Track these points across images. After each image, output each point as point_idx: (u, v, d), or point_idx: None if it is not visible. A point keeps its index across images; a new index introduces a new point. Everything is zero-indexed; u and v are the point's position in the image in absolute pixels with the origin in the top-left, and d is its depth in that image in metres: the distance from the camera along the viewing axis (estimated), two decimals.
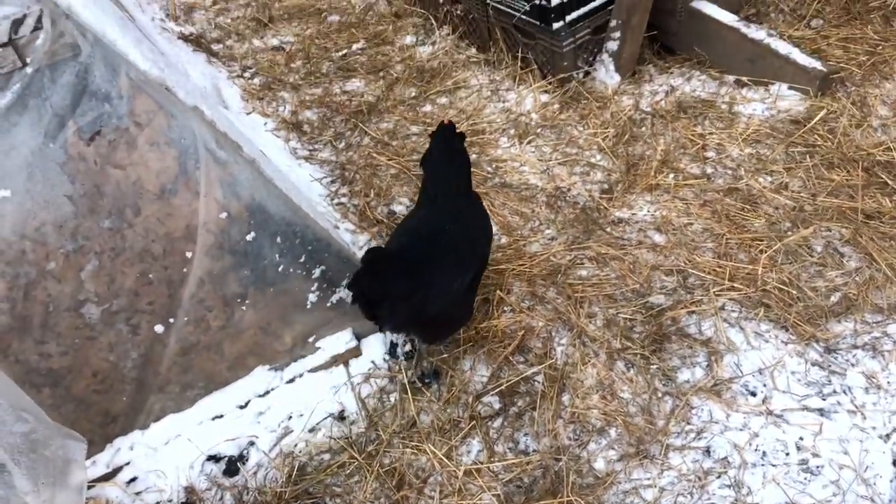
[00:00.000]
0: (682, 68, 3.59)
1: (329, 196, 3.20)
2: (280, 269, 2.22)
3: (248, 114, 3.67)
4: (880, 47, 3.49)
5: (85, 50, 1.64)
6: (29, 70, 1.58)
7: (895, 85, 3.29)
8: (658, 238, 2.88)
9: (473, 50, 3.95)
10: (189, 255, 2.02)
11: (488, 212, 2.61)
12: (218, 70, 4.03)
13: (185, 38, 4.16)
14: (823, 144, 3.08)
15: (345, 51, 4.09)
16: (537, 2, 3.37)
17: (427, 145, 2.47)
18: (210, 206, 1.99)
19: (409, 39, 4.10)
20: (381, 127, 3.58)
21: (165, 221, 1.95)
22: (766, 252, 2.71)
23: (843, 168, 2.98)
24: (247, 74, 4.02)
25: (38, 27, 1.55)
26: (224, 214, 2.04)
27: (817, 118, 3.15)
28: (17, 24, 1.52)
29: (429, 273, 2.13)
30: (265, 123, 3.62)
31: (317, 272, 2.32)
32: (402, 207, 3.13)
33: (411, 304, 2.09)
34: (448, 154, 2.37)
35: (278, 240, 2.18)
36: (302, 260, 2.26)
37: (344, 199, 3.19)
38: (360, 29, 4.25)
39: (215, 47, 4.26)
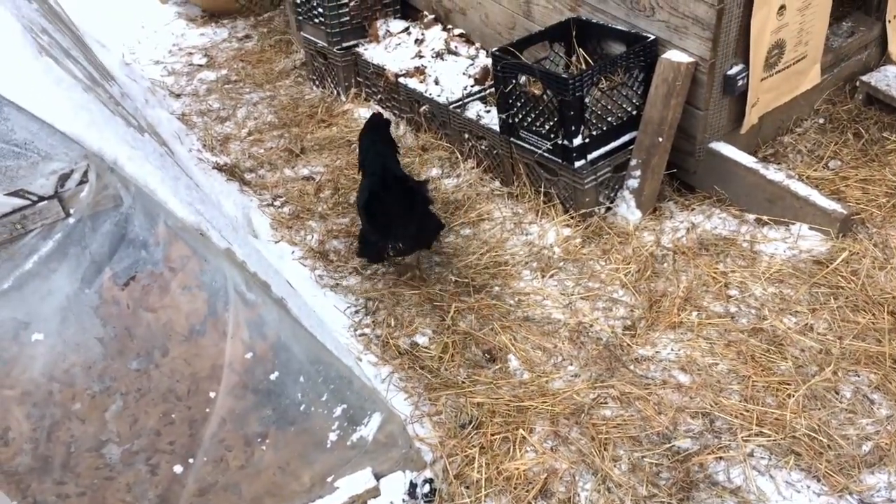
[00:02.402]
0: (702, 206, 3.65)
1: (352, 327, 3.22)
2: (302, 408, 2.22)
3: (276, 242, 3.76)
4: None
5: (126, 201, 1.72)
6: (71, 220, 1.66)
7: None
8: (683, 378, 2.85)
9: (497, 183, 4.06)
10: (213, 395, 2.02)
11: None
12: (250, 198, 4.17)
13: (219, 168, 4.33)
14: (847, 286, 3.07)
15: None
16: (559, 141, 3.50)
17: None
18: (236, 346, 2.02)
19: (434, 172, 4.23)
20: (405, 258, 3.64)
21: (192, 362, 1.97)
22: (793, 396, 2.67)
23: (868, 311, 2.96)
24: (277, 203, 4.15)
25: (83, 181, 1.63)
26: (249, 354, 2.06)
27: (839, 260, 3.16)
28: (63, 178, 1.61)
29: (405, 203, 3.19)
30: (293, 252, 3.70)
31: (338, 411, 2.31)
32: (424, 339, 3.14)
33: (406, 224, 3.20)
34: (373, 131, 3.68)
35: (301, 379, 2.19)
36: (324, 399, 2.26)
37: (367, 330, 3.21)
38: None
39: (248, 176, 4.42)
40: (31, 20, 2.86)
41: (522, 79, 3.57)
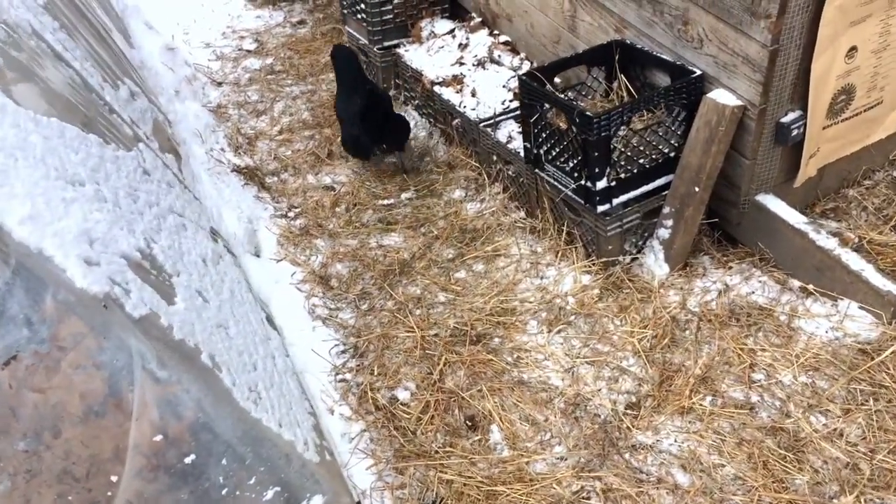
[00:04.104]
0: (741, 264, 3.25)
1: (334, 370, 3.01)
2: (224, 491, 2.02)
3: (278, 261, 3.58)
4: None
5: (3, 276, 1.53)
6: None
7: None
8: (681, 478, 2.51)
9: (522, 213, 3.75)
10: (115, 478, 1.84)
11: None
12: (265, 206, 3.99)
13: (238, 171, 4.17)
14: (892, 385, 2.65)
15: (392, 200, 3.98)
16: (582, 182, 3.16)
17: None
18: (143, 428, 1.83)
19: (457, 194, 3.95)
20: (409, 291, 3.40)
21: (90, 443, 1.79)
22: None
23: None
24: (291, 214, 3.96)
25: None
26: (159, 437, 1.86)
27: (888, 352, 2.73)
28: None
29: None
30: (293, 274, 3.51)
31: (269, 494, 2.10)
32: (406, 394, 2.89)
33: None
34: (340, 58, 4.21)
35: (224, 461, 1.99)
36: (252, 481, 2.06)
37: (349, 376, 3.00)
38: (414, 176, 4.14)
39: (269, 181, 4.25)
40: (16, 24, 2.71)
41: (550, 109, 3.24)
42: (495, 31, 4.55)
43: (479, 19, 4.62)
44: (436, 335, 3.13)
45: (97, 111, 2.82)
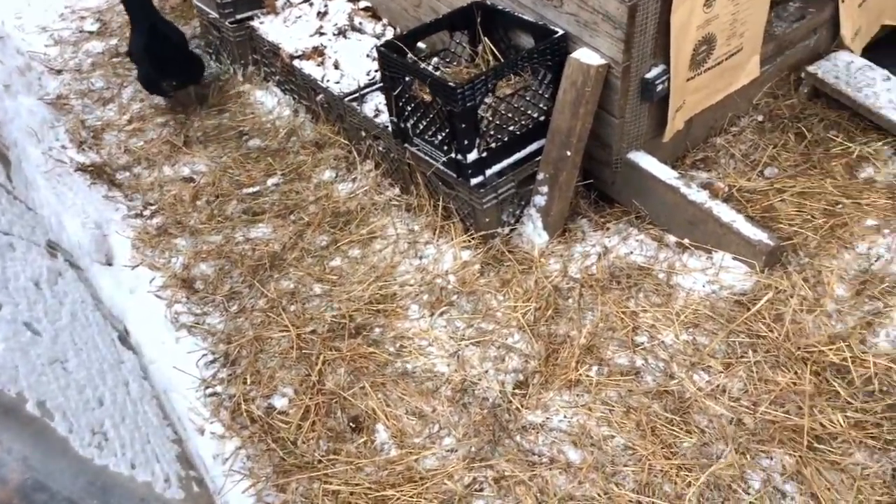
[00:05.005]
0: (618, 224, 3.20)
1: (203, 384, 2.78)
2: None
3: (134, 268, 3.28)
4: (840, 205, 3.11)
5: None
6: None
7: (855, 256, 2.90)
8: (573, 455, 2.45)
9: (396, 190, 3.57)
10: None
11: None
12: (116, 207, 3.66)
13: (83, 169, 3.80)
14: (769, 335, 2.67)
15: (257, 187, 3.72)
16: (453, 155, 3.01)
17: None
18: None
19: (327, 174, 3.73)
20: (282, 286, 3.18)
21: None
22: (693, 485, 2.29)
23: (789, 368, 2.57)
24: (147, 213, 3.65)
25: None
26: None
27: (763, 301, 2.75)
28: None
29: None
30: (152, 280, 3.22)
31: None
32: (283, 401, 2.71)
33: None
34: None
35: None
36: None
37: (220, 388, 2.78)
38: (280, 159, 3.88)
39: (120, 177, 3.90)
40: None
41: (413, 80, 3.06)
42: None
43: None
44: (313, 332, 2.94)
45: None
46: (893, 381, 2.46)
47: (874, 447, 2.31)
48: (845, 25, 3.57)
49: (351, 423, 2.61)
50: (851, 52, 3.59)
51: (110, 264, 3.23)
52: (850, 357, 2.52)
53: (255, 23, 4.37)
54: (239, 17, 4.40)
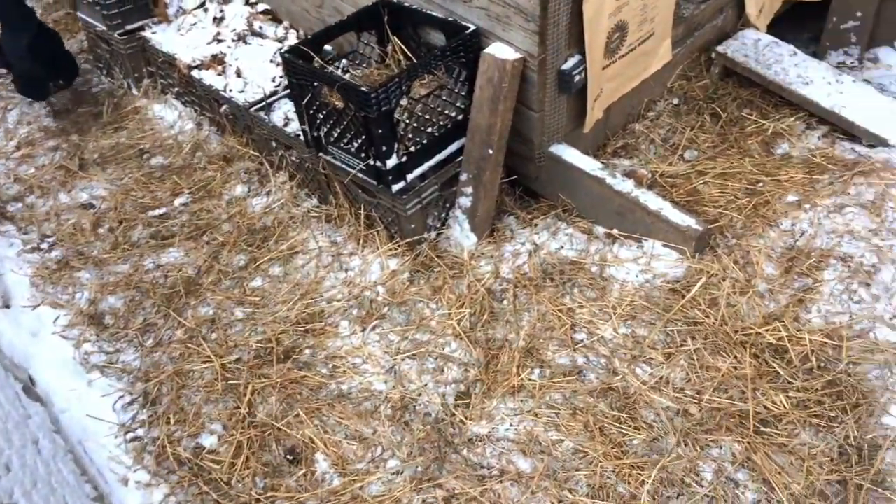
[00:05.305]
0: (546, 219, 3.14)
1: (122, 430, 2.57)
2: None
3: (34, 308, 3.02)
4: (760, 183, 3.13)
5: None
6: None
7: (780, 234, 2.92)
8: (523, 464, 2.37)
9: (314, 200, 3.41)
10: None
11: None
12: (9, 242, 3.38)
13: None
14: (706, 321, 2.66)
15: (164, 209, 3.49)
16: (371, 162, 2.88)
17: None
18: None
19: (239, 189, 3.53)
20: (200, 313, 2.99)
21: None
22: (647, 483, 2.24)
23: (729, 353, 2.56)
24: (44, 246, 3.37)
25: None
26: None
27: (697, 287, 2.74)
28: None
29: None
30: (55, 319, 2.97)
31: None
32: (212, 439, 2.53)
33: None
34: None
35: None
36: None
37: (141, 431, 2.58)
38: (186, 176, 3.66)
39: (11, 209, 3.60)
40: None
41: (322, 86, 2.90)
42: (251, 0, 4.10)
43: None
44: (238, 360, 2.77)
45: None
46: (830, 357, 2.48)
47: (818, 425, 2.31)
48: (750, 3, 3.61)
49: (288, 456, 2.45)
50: (757, 29, 3.63)
51: (7, 307, 2.96)
52: (787, 336, 2.53)
53: (147, 33, 4.11)
54: (129, 28, 4.13)
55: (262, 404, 2.61)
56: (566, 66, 2.87)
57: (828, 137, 3.27)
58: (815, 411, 2.35)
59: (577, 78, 2.90)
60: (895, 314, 2.57)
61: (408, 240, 3.06)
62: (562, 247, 3.03)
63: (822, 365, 2.47)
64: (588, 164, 3.03)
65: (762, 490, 2.20)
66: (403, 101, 2.80)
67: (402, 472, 2.39)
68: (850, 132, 3.22)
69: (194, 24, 4.10)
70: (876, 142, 3.14)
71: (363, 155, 2.90)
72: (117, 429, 2.56)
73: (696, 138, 3.39)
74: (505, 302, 2.87)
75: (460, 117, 3.00)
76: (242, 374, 2.70)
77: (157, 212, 3.48)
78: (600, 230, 3.06)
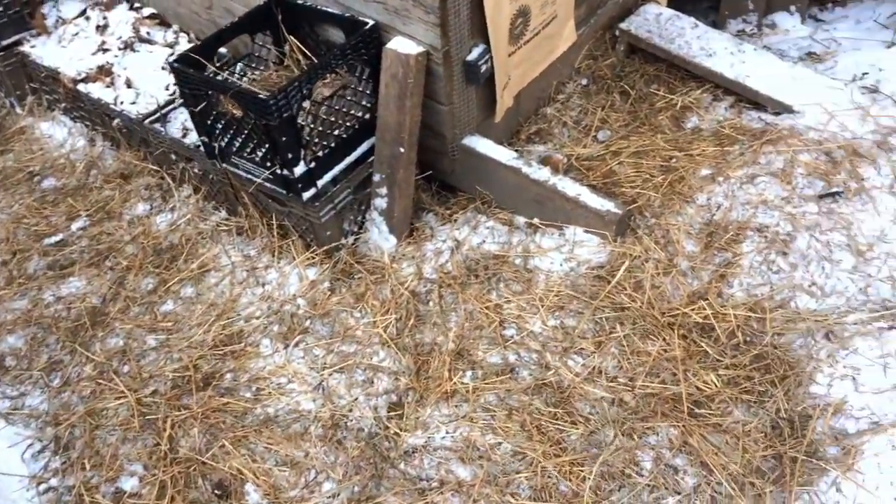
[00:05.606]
0: (465, 213, 3.07)
1: (34, 481, 2.39)
2: None
3: None
4: (674, 160, 3.14)
5: None
6: None
7: (697, 209, 2.92)
8: (462, 472, 2.32)
9: (223, 213, 3.25)
10: None
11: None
12: None
13: None
14: (633, 305, 2.64)
15: (61, 235, 3.27)
16: (278, 171, 2.74)
17: None
18: None
19: (141, 208, 3.34)
20: (109, 345, 2.81)
21: None
22: (588, 478, 2.21)
23: (658, 335, 2.55)
24: None
25: None
26: None
27: (621, 271, 2.72)
28: None
29: None
30: None
31: None
32: (133, 481, 2.38)
33: None
34: None
35: None
36: None
37: (55, 481, 2.40)
38: (82, 198, 3.43)
39: None
40: None
41: (216, 95, 2.74)
42: (136, 5, 3.87)
43: None
44: (154, 392, 2.61)
45: None
46: (755, 330, 2.50)
47: (750, 401, 2.33)
48: None
49: (216, 491, 2.33)
50: (658, 3, 3.63)
51: None
52: (712, 314, 2.54)
53: (25, 47, 3.84)
54: (4, 43, 3.84)
55: (185, 438, 2.47)
56: (471, 57, 2.79)
57: (735, 108, 3.30)
58: (745, 387, 2.36)
59: (483, 68, 2.82)
60: (813, 281, 2.61)
61: (325, 247, 2.94)
62: (483, 241, 2.97)
63: (749, 339, 2.49)
64: (502, 154, 2.97)
65: (701, 474, 2.20)
66: (306, 105, 2.67)
67: (339, 495, 2.29)
68: (755, 101, 3.25)
69: (76, 34, 3.85)
70: (781, 109, 3.18)
71: (269, 164, 2.76)
72: (28, 481, 2.38)
73: (608, 118, 3.37)
74: (431, 303, 2.79)
75: (367, 116, 2.89)
76: (160, 408, 2.55)
77: (54, 239, 3.25)
78: (521, 220, 3.01)
